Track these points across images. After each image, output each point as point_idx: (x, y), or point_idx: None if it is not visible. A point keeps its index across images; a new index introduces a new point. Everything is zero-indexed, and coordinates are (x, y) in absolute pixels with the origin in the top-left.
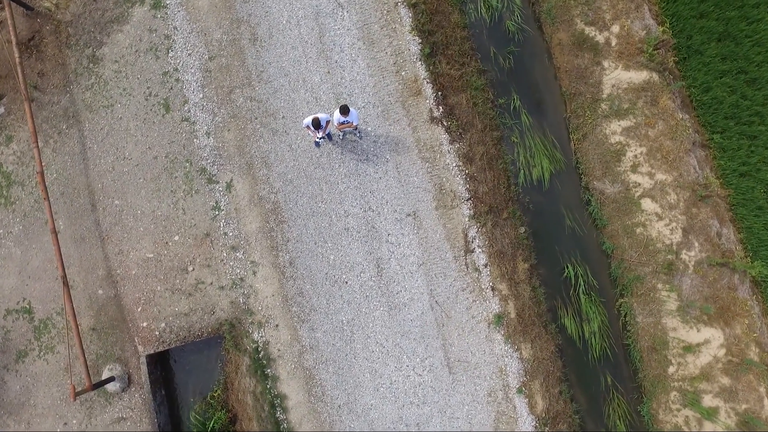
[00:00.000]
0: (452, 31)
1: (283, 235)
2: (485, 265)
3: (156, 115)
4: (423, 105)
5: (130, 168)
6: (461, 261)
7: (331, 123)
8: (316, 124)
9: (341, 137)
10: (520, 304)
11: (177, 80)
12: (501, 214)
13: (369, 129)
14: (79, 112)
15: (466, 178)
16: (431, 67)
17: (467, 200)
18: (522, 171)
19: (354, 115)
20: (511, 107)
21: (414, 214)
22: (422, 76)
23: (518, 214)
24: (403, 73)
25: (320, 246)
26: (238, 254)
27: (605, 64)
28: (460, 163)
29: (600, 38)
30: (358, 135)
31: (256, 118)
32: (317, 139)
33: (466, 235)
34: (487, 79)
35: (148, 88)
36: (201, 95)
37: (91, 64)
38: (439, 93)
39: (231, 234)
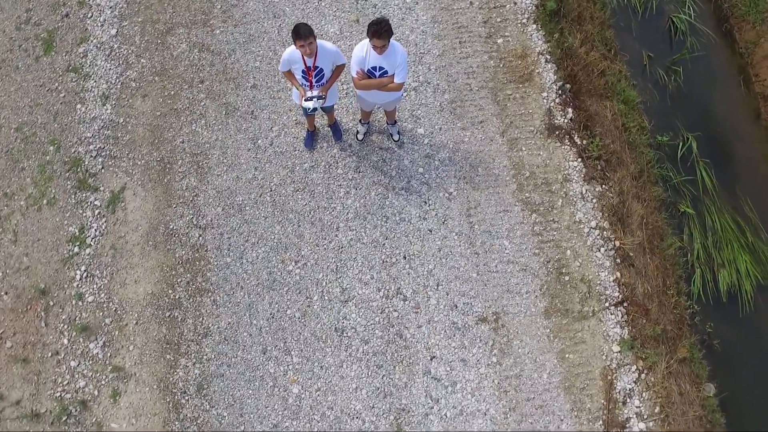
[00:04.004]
0: (587, 4)
1: (199, 321)
2: None
3: (26, 55)
4: (535, 101)
5: None
6: None
7: (344, 71)
8: (309, 63)
9: (361, 135)
10: None
11: (81, 3)
12: (676, 349)
13: (420, 130)
14: None
15: (614, 258)
16: (556, 37)
17: (616, 305)
18: (699, 270)
19: (401, 56)
20: (678, 152)
21: (496, 321)
22: (538, 50)
23: (697, 355)
24: (499, 41)
25: (274, 360)
26: (92, 345)
27: None
28: (605, 225)
29: None
30: (395, 134)
31: (202, 82)
32: (306, 101)
33: (611, 384)
34: (639, 96)
35: (27, 11)
36: (114, 31)
37: None
38: (568, 86)
39: (91, 299)
